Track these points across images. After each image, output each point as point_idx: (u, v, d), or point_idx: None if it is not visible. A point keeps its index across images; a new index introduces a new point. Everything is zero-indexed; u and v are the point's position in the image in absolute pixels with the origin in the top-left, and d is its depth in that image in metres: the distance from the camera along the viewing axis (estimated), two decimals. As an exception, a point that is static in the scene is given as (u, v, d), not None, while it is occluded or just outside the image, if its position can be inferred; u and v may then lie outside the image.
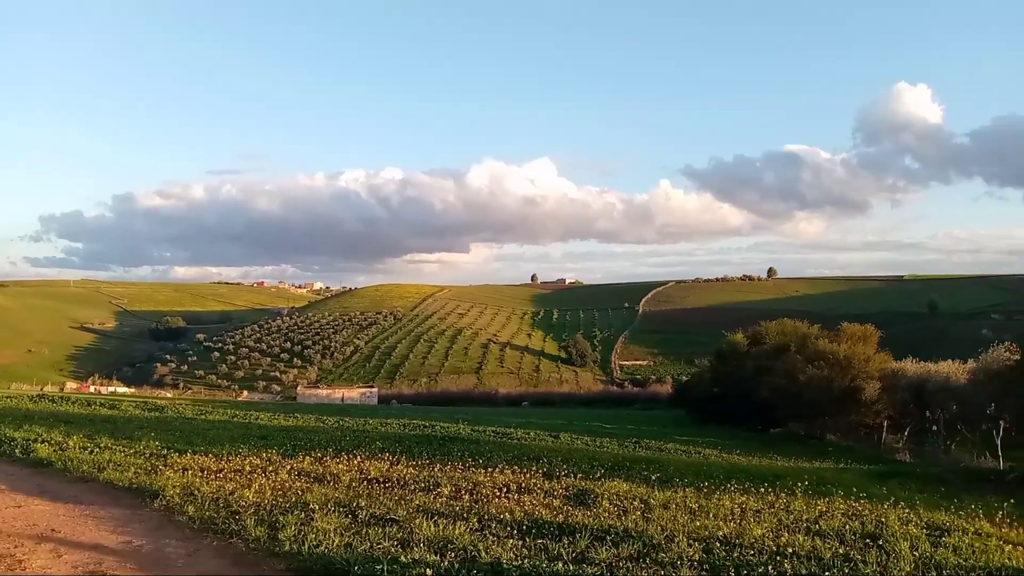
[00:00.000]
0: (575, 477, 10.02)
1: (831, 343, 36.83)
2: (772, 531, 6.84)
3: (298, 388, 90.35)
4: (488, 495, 8.47)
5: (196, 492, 8.10)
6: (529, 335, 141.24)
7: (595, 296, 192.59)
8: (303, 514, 7.08)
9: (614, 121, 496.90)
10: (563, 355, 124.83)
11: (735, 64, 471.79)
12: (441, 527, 6.56)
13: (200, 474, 9.37)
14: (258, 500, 7.75)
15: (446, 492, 8.51)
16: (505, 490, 8.82)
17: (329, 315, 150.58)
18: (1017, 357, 26.32)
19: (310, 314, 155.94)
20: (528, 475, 10.05)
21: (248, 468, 9.88)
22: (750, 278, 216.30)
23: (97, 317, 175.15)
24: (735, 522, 7.22)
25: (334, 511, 7.20)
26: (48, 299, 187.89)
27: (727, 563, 5.51)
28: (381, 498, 8.03)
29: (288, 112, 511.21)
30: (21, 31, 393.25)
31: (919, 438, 32.62)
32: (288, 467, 10.15)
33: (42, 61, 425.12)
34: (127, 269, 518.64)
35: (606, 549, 5.84)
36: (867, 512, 8.32)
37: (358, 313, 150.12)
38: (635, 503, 8.10)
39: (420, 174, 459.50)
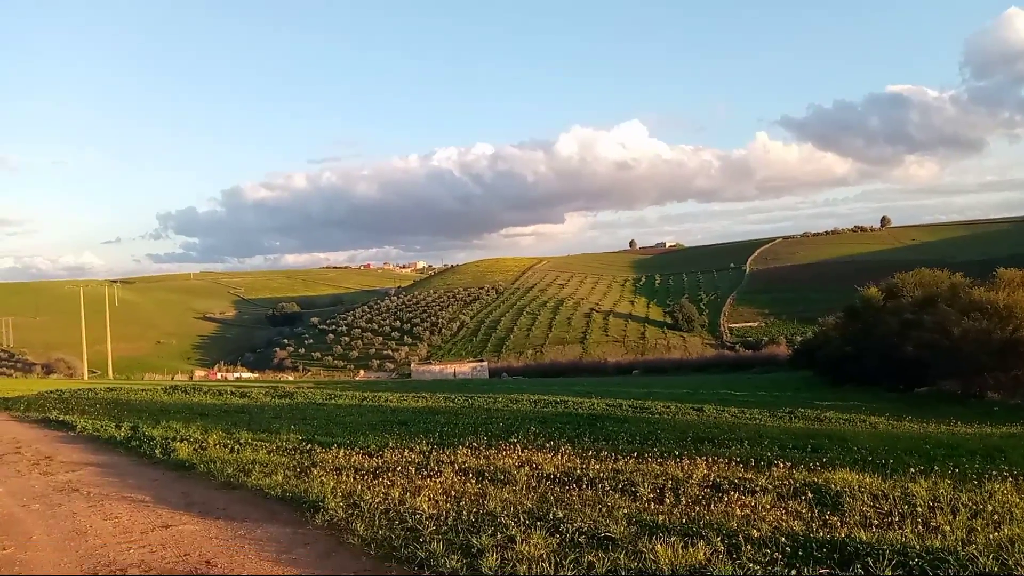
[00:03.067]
0: (782, 466, 8.37)
1: (987, 292, 33.67)
2: None
3: (411, 365, 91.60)
4: (700, 496, 6.96)
5: (361, 503, 6.99)
6: (632, 302, 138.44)
7: (697, 258, 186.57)
8: (494, 531, 5.82)
9: (704, 75, 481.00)
10: (668, 320, 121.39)
11: (827, 3, 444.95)
12: (678, 550, 5.11)
13: (356, 476, 8.35)
14: (434, 511, 6.57)
15: (647, 493, 7.08)
16: (714, 488, 7.33)
17: (434, 292, 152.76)
18: None
19: (416, 293, 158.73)
20: (726, 465, 8.49)
21: (409, 467, 8.78)
22: (862, 229, 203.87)
23: (218, 307, 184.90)
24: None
25: (530, 525, 5.92)
26: (172, 292, 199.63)
27: None
28: (575, 505, 6.69)
29: (379, 96, 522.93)
30: (121, 34, 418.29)
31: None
32: (448, 462, 9.01)
33: (140, 63, 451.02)
34: (241, 260, 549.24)
35: (931, 587, 4.27)
36: None
37: (461, 289, 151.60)
38: (895, 503, 6.42)
39: (510, 147, 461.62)
